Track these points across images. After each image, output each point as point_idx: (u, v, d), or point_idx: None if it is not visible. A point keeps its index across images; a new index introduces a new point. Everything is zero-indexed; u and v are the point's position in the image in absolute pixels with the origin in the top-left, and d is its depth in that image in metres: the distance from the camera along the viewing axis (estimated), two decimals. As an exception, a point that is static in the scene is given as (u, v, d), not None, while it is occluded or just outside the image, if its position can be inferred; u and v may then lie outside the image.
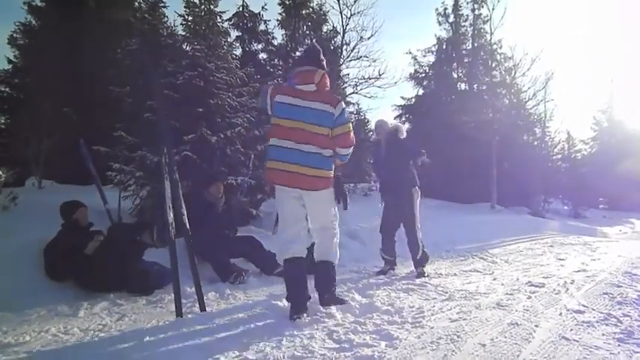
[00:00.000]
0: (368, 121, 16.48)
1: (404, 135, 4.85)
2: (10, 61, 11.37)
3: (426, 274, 4.54)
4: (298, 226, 3.09)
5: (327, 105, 2.99)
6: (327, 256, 3.19)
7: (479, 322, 2.86)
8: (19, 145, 9.03)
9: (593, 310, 3.16)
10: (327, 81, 3.12)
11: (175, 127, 5.41)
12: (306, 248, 3.13)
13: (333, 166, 3.12)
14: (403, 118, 17.56)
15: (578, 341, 2.51)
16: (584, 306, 3.27)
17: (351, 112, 16.07)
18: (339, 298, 3.26)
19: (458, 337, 2.55)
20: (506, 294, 3.68)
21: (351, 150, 3.18)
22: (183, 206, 3.30)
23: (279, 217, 3.21)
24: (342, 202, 3.71)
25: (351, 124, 3.14)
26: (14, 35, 11.37)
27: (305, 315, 2.91)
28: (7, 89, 11.36)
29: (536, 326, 2.78)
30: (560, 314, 3.06)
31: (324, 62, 3.21)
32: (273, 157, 3.02)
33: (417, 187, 4.74)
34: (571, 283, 4.04)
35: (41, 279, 3.70)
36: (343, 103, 3.11)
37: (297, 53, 12.17)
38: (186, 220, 3.28)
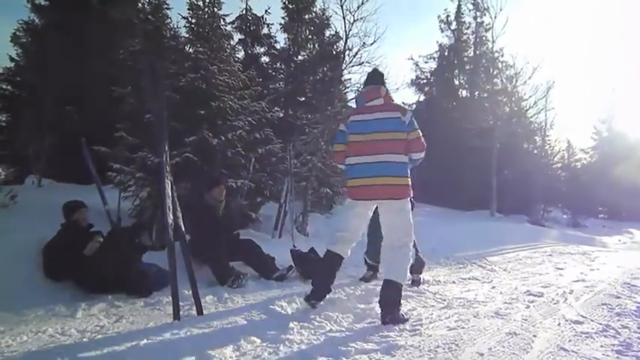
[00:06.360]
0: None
1: None
2: (12, 59, 11.43)
3: (421, 282, 4.42)
4: (355, 236, 3.36)
5: (397, 112, 3.17)
6: (397, 276, 3.09)
7: (477, 331, 2.86)
8: (20, 143, 9.05)
9: (592, 321, 3.16)
10: (392, 96, 3.38)
11: (176, 129, 5.42)
12: (348, 252, 3.38)
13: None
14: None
15: (576, 352, 2.50)
16: (582, 317, 3.26)
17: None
18: (401, 318, 3.05)
19: (456, 345, 2.55)
20: (505, 303, 3.67)
21: (423, 154, 3.27)
22: (178, 209, 3.30)
23: (343, 221, 3.40)
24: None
25: (420, 131, 3.23)
26: (17, 33, 11.40)
27: (320, 303, 3.28)
28: (9, 87, 11.43)
29: (535, 336, 2.77)
30: (559, 324, 3.05)
31: (385, 83, 3.50)
32: (352, 175, 3.23)
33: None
34: (570, 293, 4.04)
35: (39, 279, 3.68)
36: (410, 112, 3.25)
37: (300, 57, 12.20)
38: (182, 223, 3.28)
